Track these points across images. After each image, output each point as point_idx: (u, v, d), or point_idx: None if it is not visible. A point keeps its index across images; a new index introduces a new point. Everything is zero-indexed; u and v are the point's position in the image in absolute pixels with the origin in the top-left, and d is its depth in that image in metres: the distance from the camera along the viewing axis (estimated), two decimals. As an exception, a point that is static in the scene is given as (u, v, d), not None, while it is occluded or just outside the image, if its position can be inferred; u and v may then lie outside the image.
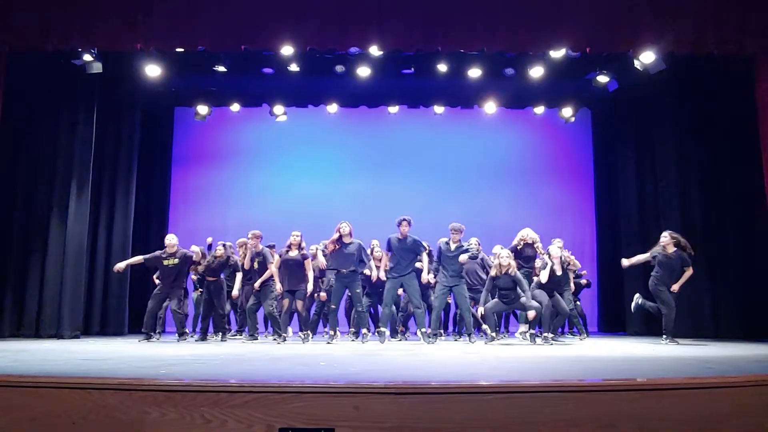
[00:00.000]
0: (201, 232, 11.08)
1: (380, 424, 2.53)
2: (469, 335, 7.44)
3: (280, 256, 7.78)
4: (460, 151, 11.93)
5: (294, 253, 7.72)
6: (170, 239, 8.01)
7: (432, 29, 7.59)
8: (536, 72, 9.42)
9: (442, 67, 9.41)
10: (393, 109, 11.15)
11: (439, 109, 11.08)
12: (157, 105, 10.94)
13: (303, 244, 7.82)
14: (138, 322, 8.96)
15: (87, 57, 8.36)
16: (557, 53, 8.63)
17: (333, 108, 11.02)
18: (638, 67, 8.46)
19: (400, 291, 8.00)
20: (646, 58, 8.13)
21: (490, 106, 10.94)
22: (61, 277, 8.47)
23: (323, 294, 8.23)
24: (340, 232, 7.53)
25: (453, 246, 7.49)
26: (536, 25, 7.61)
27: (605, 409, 2.62)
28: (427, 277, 7.62)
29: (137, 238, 9.99)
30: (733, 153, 8.53)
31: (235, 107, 11.04)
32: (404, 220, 7.52)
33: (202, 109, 10.91)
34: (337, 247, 7.52)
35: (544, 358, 4.86)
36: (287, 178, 11.84)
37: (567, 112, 11.16)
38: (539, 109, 11.20)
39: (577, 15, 7.55)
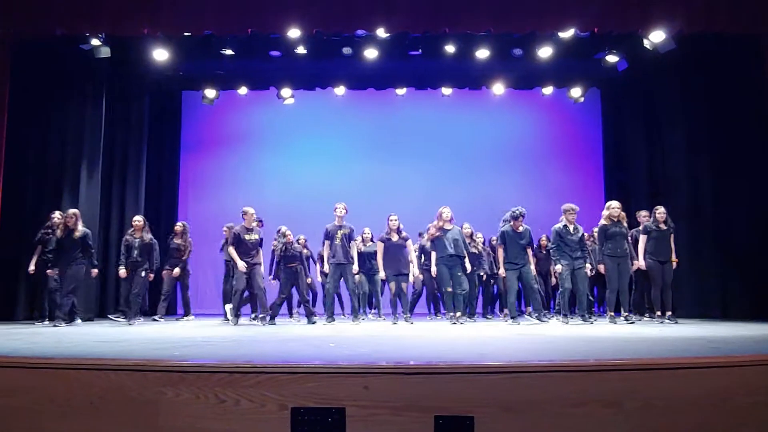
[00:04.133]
0: (210, 214, 11.17)
1: (390, 404, 2.58)
2: (582, 316, 7.57)
3: (383, 242, 7.81)
4: (468, 132, 11.90)
5: (395, 238, 7.78)
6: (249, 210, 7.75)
7: (439, 10, 7.55)
8: (545, 52, 9.35)
9: (450, 48, 9.36)
10: (401, 91, 11.13)
11: (446, 90, 11.04)
12: (165, 89, 10.97)
13: (401, 226, 7.86)
14: (152, 306, 9.09)
15: (95, 42, 8.38)
16: (566, 33, 8.56)
17: (340, 90, 11.01)
18: (648, 47, 8.39)
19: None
20: (656, 37, 8.06)
21: (498, 87, 10.89)
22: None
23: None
24: (442, 218, 7.53)
25: (572, 227, 7.59)
26: (544, 5, 7.55)
27: (611, 387, 2.66)
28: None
29: (148, 221, 10.08)
30: (743, 133, 8.46)
31: (243, 90, 11.06)
32: (521, 215, 7.61)
33: (210, 93, 10.93)
34: (439, 234, 7.54)
35: (551, 338, 4.90)
36: (295, 160, 11.87)
37: (576, 92, 11.09)
38: (548, 90, 11.14)
39: (585, -6, 7.49)
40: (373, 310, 9.72)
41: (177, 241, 9.04)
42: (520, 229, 7.63)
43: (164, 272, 8.87)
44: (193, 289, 11.48)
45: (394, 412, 2.58)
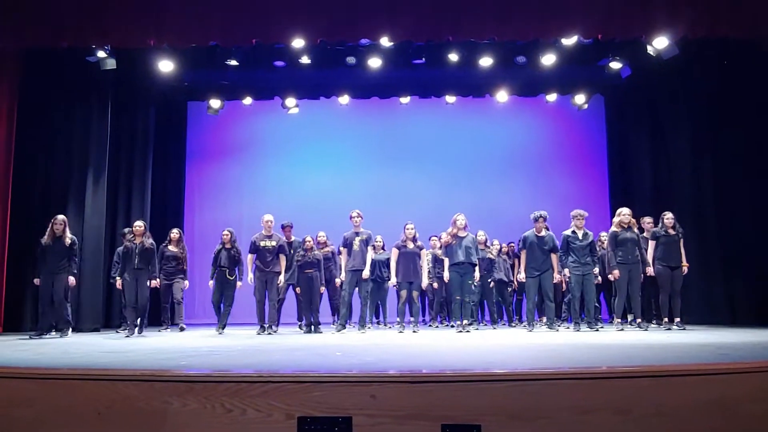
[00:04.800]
0: (215, 224, 11.18)
1: (396, 412, 2.58)
2: (589, 323, 7.53)
3: (398, 249, 7.85)
4: (473, 140, 11.91)
5: (410, 246, 7.84)
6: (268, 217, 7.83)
7: (442, 19, 7.59)
8: (548, 59, 9.36)
9: (453, 57, 9.38)
10: (405, 100, 11.15)
11: (450, 98, 11.06)
12: (170, 100, 11.03)
13: (417, 235, 7.93)
14: (156, 316, 9.07)
15: (101, 54, 8.46)
16: (569, 40, 8.58)
17: (345, 99, 11.04)
18: (651, 53, 8.39)
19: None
20: (659, 43, 8.07)
21: (502, 95, 10.90)
22: (80, 271, 8.55)
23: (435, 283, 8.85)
24: (456, 225, 7.55)
25: (580, 233, 7.59)
26: (548, 12, 7.57)
27: (620, 395, 2.64)
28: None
29: (153, 231, 10.08)
30: (747, 139, 8.45)
31: (248, 101, 11.10)
32: (541, 217, 7.63)
33: (215, 103, 10.98)
34: (452, 241, 7.56)
35: (558, 346, 4.88)
36: (300, 169, 11.89)
37: (580, 99, 11.09)
38: (552, 97, 11.14)
39: (589, 0, 7.50)
40: (378, 319, 9.70)
41: (173, 248, 8.82)
42: (543, 233, 7.62)
43: (159, 281, 8.34)
44: (199, 298, 11.51)
45: (400, 420, 2.57)
